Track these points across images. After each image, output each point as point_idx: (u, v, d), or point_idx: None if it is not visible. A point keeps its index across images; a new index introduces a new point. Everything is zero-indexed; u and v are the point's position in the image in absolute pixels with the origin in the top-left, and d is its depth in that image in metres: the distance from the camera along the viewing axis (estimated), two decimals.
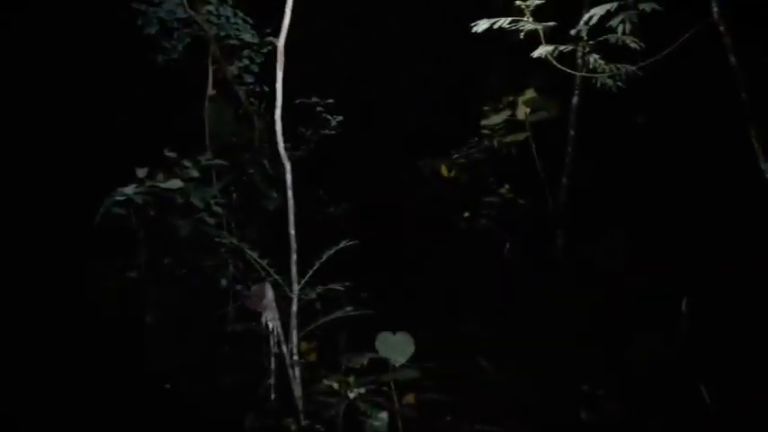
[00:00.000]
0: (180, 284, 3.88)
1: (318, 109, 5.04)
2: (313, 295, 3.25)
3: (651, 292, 3.88)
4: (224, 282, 3.92)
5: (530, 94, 5.44)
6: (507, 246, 5.31)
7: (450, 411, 3.87)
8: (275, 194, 4.51)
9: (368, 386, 2.55)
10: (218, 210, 3.84)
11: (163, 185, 3.51)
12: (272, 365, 3.22)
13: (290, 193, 3.06)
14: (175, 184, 3.54)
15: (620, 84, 3.56)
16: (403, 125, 6.82)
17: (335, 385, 2.42)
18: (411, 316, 3.64)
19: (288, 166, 3.05)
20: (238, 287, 3.86)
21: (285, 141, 3.16)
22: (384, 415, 2.15)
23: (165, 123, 4.26)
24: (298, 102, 5.03)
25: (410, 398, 4.15)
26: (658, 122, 5.14)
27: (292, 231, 3.07)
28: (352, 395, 2.35)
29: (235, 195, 4.46)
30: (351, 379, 2.43)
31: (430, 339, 3.56)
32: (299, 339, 3.10)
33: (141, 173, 3.46)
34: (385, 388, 2.67)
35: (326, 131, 5.10)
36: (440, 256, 5.50)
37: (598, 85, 3.66)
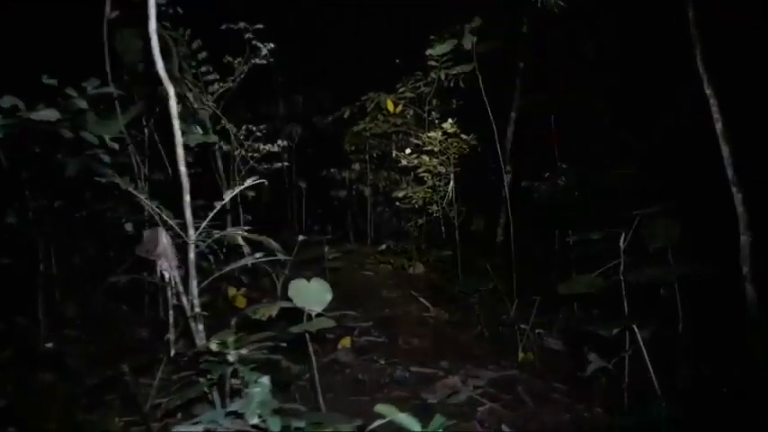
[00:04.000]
0: (77, 231, 3.48)
1: (247, 36, 4.53)
2: (208, 241, 2.87)
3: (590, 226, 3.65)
4: (129, 227, 3.52)
5: (476, 22, 5.00)
6: (451, 183, 5.00)
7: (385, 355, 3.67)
8: (197, 129, 4.08)
9: (262, 342, 2.23)
10: (116, 146, 3.38)
11: (34, 116, 3.02)
12: (171, 319, 2.88)
13: (175, 123, 2.64)
14: (52, 114, 3.05)
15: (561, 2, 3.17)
16: (344, 56, 6.35)
17: (214, 347, 2.09)
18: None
19: (171, 92, 2.62)
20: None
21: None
22: (266, 380, 1.83)
23: (54, 51, 3.72)
24: (223, 27, 4.53)
25: (346, 342, 3.92)
26: (608, 51, 4.83)
27: (182, 168, 2.66)
28: (231, 358, 2.03)
29: (147, 131, 4.02)
30: (231, 339, 2.10)
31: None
32: (200, 290, 2.74)
33: (6, 102, 2.96)
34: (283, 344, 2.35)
35: (256, 61, 4.59)
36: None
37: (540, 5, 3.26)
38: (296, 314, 2.85)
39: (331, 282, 2.88)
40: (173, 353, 2.84)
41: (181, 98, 4.09)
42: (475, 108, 4.99)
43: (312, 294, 2.86)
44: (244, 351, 2.09)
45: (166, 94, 2.80)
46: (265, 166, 4.54)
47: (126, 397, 2.60)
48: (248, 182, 2.93)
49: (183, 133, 3.57)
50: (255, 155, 4.50)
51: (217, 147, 4.43)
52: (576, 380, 3.36)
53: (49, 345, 2.89)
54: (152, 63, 3.07)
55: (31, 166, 3.16)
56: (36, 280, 3.37)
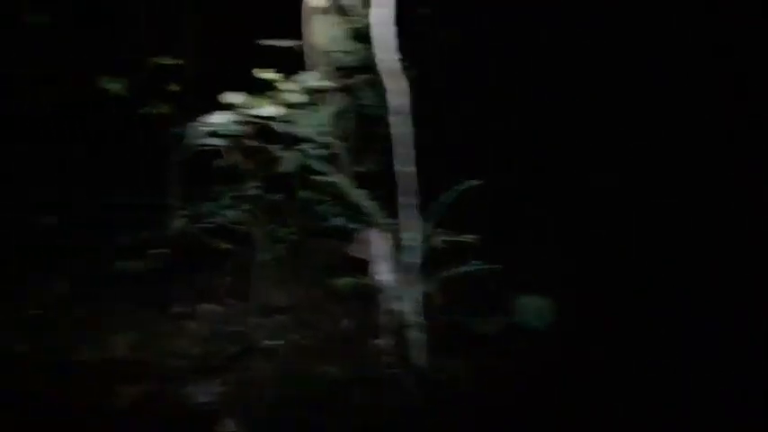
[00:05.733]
0: (289, 223, 3.50)
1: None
2: (435, 245, 2.67)
3: None
4: (338, 222, 3.46)
5: None
6: None
7: None
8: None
9: None
10: (326, 140, 3.32)
11: (261, 113, 3.03)
12: (387, 326, 2.72)
13: (394, 119, 2.44)
14: (275, 110, 3.05)
15: None
16: None
17: None
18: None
19: (393, 85, 2.42)
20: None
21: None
22: None
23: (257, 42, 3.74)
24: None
25: None
26: None
27: (402, 167, 2.46)
28: None
29: (347, 123, 3.94)
30: None
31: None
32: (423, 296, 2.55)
33: (235, 98, 3.00)
34: None
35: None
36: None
37: None
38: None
39: None
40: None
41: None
42: None
43: (537, 311, 2.58)
44: None
45: (383, 86, 2.63)
46: None
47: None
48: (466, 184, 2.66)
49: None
50: None
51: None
52: None
53: (267, 342, 2.91)
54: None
55: (253, 162, 3.20)
56: (251, 267, 3.44)
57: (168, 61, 3.65)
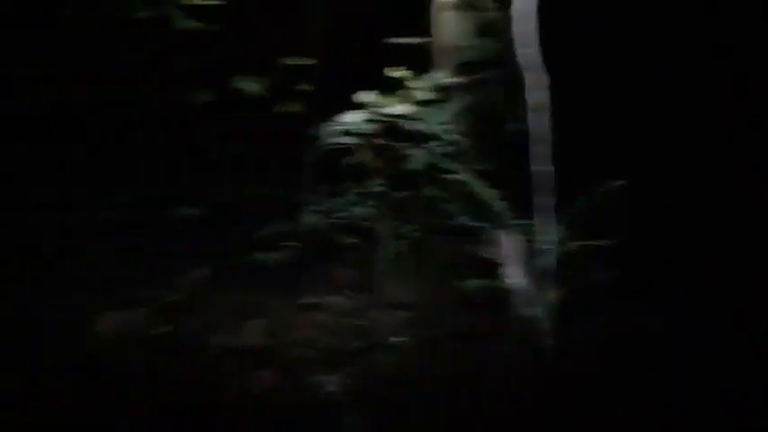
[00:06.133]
0: (415, 220, 3.51)
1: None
2: (570, 248, 2.55)
3: None
4: (464, 221, 3.41)
5: None
6: None
7: None
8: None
9: None
10: (453, 137, 3.29)
11: (391, 111, 3.06)
12: (516, 332, 2.65)
13: (533, 115, 2.35)
14: (405, 108, 3.06)
15: None
16: None
17: None
18: None
19: (533, 80, 2.34)
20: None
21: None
22: None
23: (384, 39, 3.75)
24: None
25: None
26: None
27: (540, 167, 2.38)
28: None
29: (474, 121, 3.87)
30: None
31: None
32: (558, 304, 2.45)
33: (366, 97, 3.04)
34: None
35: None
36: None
37: None
38: None
39: None
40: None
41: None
42: None
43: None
44: None
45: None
46: None
47: None
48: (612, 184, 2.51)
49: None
50: None
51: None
52: None
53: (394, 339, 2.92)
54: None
55: (381, 159, 3.24)
56: (375, 263, 3.48)
57: (299, 61, 3.77)
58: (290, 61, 3.76)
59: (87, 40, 3.88)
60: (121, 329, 2.84)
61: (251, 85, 3.69)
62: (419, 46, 3.58)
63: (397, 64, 3.25)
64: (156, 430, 2.27)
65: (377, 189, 3.38)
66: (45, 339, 2.80)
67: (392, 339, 2.93)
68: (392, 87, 3.24)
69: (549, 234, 2.32)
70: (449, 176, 2.91)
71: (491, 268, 2.65)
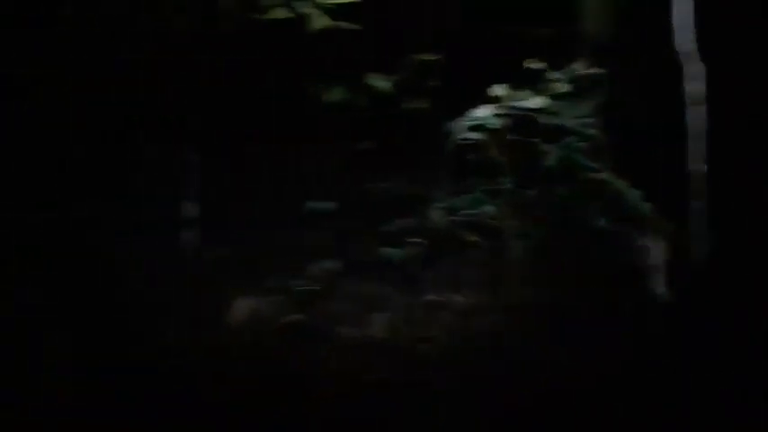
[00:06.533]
0: (544, 220, 3.34)
1: None
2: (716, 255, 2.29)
3: None
4: (602, 223, 3.18)
5: None
6: None
7: None
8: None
9: None
10: (592, 132, 3.08)
11: (527, 104, 2.92)
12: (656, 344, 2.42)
13: (692, 110, 2.12)
14: (541, 102, 2.91)
15: None
16: None
17: None
18: None
19: (699, 69, 2.10)
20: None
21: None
22: None
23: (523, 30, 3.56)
24: None
25: None
26: None
27: (697, 166, 2.14)
28: None
29: (608, 114, 3.60)
30: None
31: None
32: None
33: (499, 90, 2.92)
34: None
35: None
36: None
37: None
38: None
39: None
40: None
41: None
42: None
43: None
44: None
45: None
46: None
47: None
48: None
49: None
50: None
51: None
52: None
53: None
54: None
55: (511, 155, 3.11)
56: (500, 263, 3.36)
57: (430, 57, 3.72)
58: (420, 57, 3.74)
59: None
60: (255, 316, 2.95)
61: (381, 83, 3.71)
62: (559, 35, 3.39)
63: (533, 55, 3.10)
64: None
65: (506, 186, 3.25)
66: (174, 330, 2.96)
67: (511, 341, 2.81)
68: (527, 80, 3.09)
69: (702, 240, 2.09)
70: (589, 175, 2.72)
71: (633, 277, 2.44)
